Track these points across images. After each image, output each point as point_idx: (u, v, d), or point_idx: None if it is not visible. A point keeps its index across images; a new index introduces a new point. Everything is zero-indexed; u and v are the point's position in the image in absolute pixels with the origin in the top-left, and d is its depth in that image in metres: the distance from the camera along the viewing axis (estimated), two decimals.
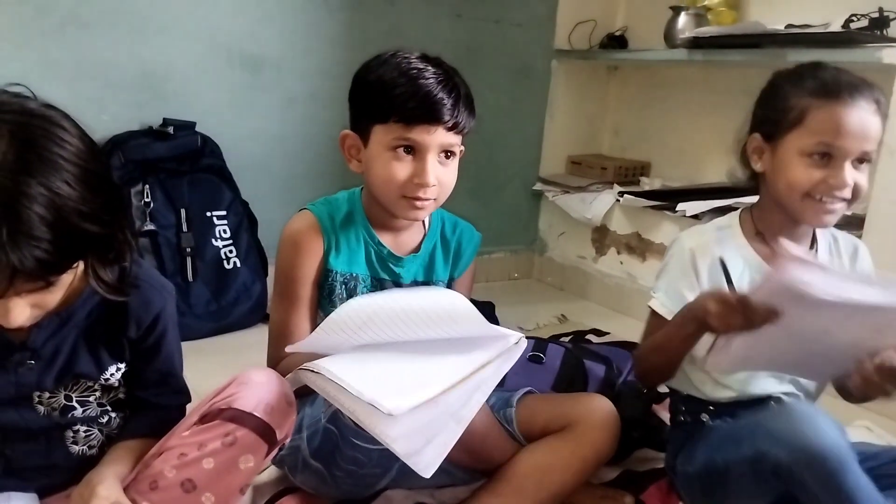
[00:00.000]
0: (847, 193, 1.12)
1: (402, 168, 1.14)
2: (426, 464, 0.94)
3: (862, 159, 1.13)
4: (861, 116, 1.11)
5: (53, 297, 0.85)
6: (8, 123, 0.77)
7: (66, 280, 0.84)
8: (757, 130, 1.20)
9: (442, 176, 1.16)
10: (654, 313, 1.25)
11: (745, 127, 1.24)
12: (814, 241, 1.26)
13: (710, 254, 1.21)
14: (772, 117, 1.18)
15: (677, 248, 1.26)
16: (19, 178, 0.74)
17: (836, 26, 1.92)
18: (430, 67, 1.13)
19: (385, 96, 1.12)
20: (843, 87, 1.12)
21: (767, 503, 1.10)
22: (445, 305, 0.97)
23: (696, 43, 2.21)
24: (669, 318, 1.20)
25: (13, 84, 0.83)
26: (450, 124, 1.12)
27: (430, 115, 1.11)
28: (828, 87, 1.12)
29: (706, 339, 1.11)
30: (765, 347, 1.06)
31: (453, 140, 1.15)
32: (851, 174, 1.12)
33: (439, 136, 1.12)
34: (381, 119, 1.13)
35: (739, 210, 1.29)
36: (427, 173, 1.13)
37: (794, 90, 1.15)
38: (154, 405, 1.06)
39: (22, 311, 0.82)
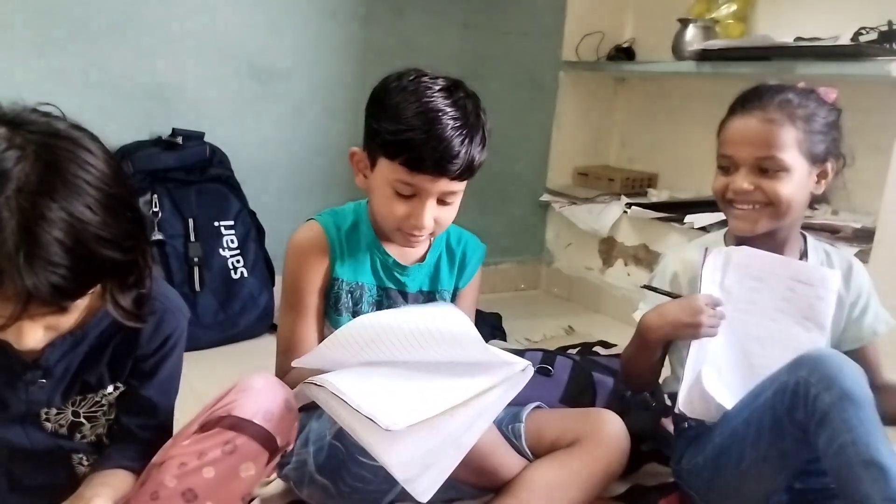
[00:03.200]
0: (756, 196, 1.19)
1: (400, 207, 1.13)
2: (423, 489, 0.93)
3: (762, 166, 1.19)
4: (750, 125, 1.19)
5: (68, 319, 0.83)
6: (33, 144, 0.75)
7: (82, 304, 0.82)
8: None
9: (440, 216, 1.15)
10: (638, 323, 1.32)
11: None
12: (804, 257, 1.28)
13: (692, 271, 1.27)
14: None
15: (662, 265, 1.35)
16: (40, 202, 0.72)
17: (844, 39, 1.92)
18: (449, 110, 1.09)
19: (397, 136, 1.09)
20: (744, 100, 1.22)
21: (780, 480, 1.13)
22: (454, 330, 0.96)
23: (704, 55, 2.21)
24: None
25: (43, 104, 0.82)
26: (455, 175, 1.11)
27: (436, 167, 1.09)
28: (734, 103, 1.24)
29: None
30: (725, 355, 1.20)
31: (457, 187, 1.14)
32: (748, 179, 1.19)
33: (442, 185, 1.12)
34: (389, 156, 1.11)
35: (725, 229, 1.34)
36: (423, 217, 1.13)
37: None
38: (133, 438, 1.02)
39: (35, 334, 0.80)
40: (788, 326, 1.20)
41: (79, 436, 1.00)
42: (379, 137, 1.12)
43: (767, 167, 1.18)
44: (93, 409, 0.99)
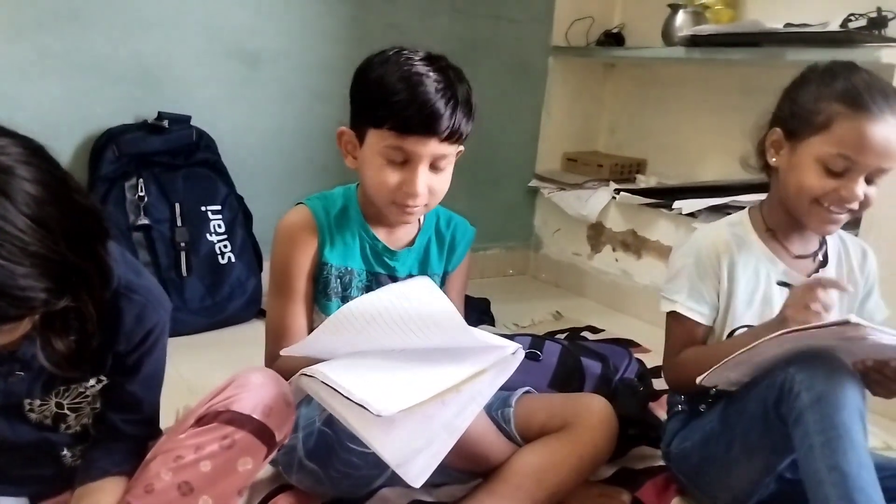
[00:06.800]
0: (855, 206, 1.12)
1: (393, 175, 1.12)
2: (416, 473, 0.93)
3: (877, 174, 1.12)
4: (887, 133, 1.08)
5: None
6: None
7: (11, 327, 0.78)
8: (780, 125, 1.18)
9: (433, 184, 1.14)
10: (678, 318, 1.24)
11: (768, 116, 1.22)
12: (823, 242, 1.27)
13: (729, 250, 1.22)
14: (798, 115, 1.16)
15: (693, 249, 1.25)
16: None
17: (834, 26, 1.92)
18: (431, 74, 1.10)
19: (382, 102, 1.09)
20: (873, 99, 1.09)
21: (768, 470, 1.12)
22: (443, 317, 0.96)
23: (693, 41, 2.21)
24: (702, 321, 1.23)
25: None
26: (444, 135, 1.10)
27: (425, 127, 1.08)
28: (858, 97, 1.09)
29: None
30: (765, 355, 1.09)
31: (447, 150, 1.13)
32: (863, 187, 1.11)
33: (432, 147, 1.11)
34: (377, 124, 1.11)
35: (748, 207, 1.28)
36: (416, 184, 1.12)
37: (824, 92, 1.13)
38: (118, 433, 1.00)
39: None
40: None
41: (64, 426, 0.98)
42: (365, 109, 1.13)
43: (881, 175, 1.12)
44: (76, 400, 0.98)
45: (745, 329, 1.22)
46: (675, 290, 1.25)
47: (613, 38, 2.68)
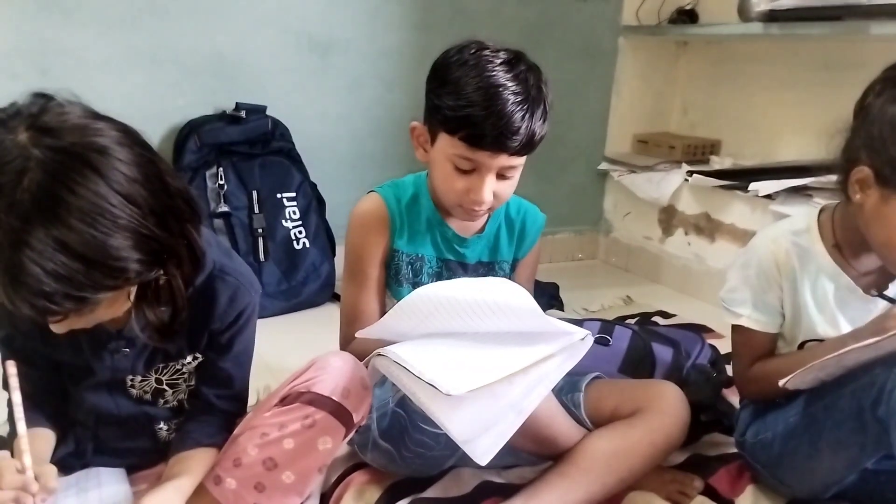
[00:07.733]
0: None
1: (460, 181, 1.13)
2: (482, 451, 0.94)
3: None
4: None
5: (90, 319, 0.84)
6: (39, 160, 0.73)
7: (104, 304, 0.82)
8: (867, 161, 1.04)
9: (500, 190, 1.15)
10: (746, 331, 1.22)
11: (849, 115, 1.09)
12: None
13: (789, 263, 1.18)
14: (893, 164, 1.01)
15: (753, 259, 1.21)
16: (28, 228, 0.72)
17: None
18: (510, 84, 1.07)
19: (457, 112, 1.08)
20: None
21: (855, 467, 1.09)
22: (513, 301, 0.97)
23: (772, 16, 2.13)
24: (770, 330, 1.21)
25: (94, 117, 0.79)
26: (515, 151, 1.10)
27: (497, 144, 1.08)
28: None
29: None
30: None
31: (517, 162, 1.13)
32: None
33: (502, 160, 1.11)
34: (449, 131, 1.11)
35: (819, 211, 1.21)
36: (483, 193, 1.12)
37: None
38: (211, 407, 1.07)
39: (58, 328, 0.83)
40: None
41: (162, 401, 1.06)
42: (439, 113, 1.11)
43: None
44: (174, 376, 1.05)
45: (815, 343, 1.19)
46: (739, 303, 1.22)
47: (687, 16, 2.61)
